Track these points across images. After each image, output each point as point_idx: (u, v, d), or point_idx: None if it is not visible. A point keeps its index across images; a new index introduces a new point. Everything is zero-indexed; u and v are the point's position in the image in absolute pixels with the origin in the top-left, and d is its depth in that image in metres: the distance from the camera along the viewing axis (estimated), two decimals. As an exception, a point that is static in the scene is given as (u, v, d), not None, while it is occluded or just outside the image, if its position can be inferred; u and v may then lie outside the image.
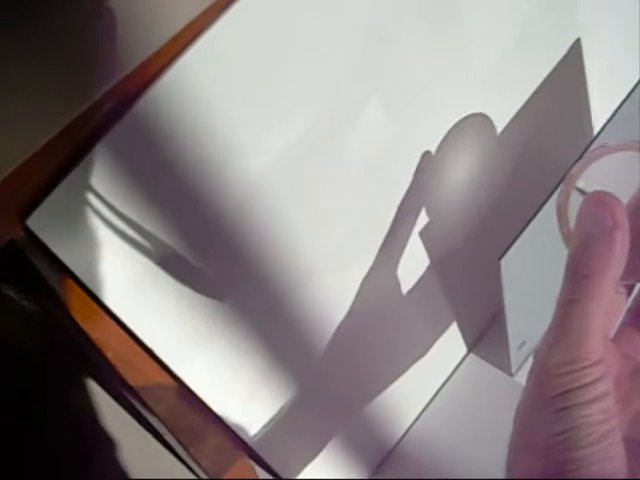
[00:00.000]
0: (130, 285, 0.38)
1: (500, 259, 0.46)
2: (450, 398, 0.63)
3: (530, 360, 0.62)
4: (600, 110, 0.62)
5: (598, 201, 0.30)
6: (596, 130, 0.62)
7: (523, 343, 0.59)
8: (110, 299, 0.37)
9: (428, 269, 0.55)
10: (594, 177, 0.35)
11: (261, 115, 0.38)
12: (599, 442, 0.29)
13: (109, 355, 0.40)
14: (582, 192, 0.36)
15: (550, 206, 0.48)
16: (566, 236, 0.35)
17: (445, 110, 0.49)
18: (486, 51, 0.50)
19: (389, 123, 0.46)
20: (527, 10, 0.51)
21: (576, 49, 0.56)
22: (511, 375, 0.62)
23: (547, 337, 0.31)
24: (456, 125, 0.50)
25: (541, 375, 0.31)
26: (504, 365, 0.61)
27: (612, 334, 0.34)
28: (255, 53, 0.37)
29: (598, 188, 0.31)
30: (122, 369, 0.41)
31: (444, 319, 0.61)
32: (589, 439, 0.29)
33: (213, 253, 0.40)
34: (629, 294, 0.35)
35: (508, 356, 0.59)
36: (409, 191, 0.49)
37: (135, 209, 0.36)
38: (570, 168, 0.36)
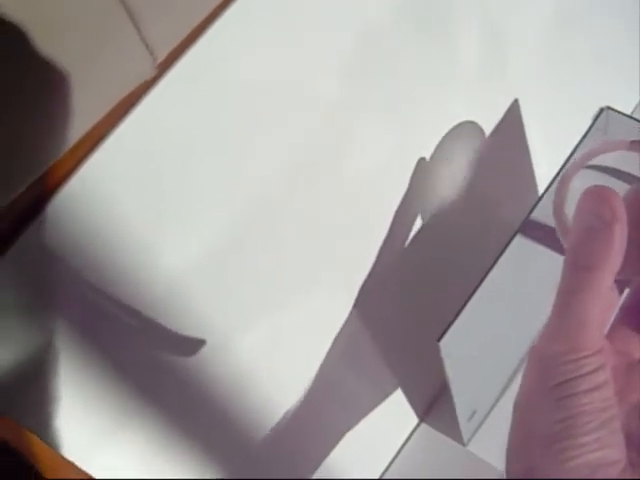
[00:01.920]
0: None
1: (439, 340, 0.45)
2: (404, 468, 0.62)
3: (483, 428, 0.62)
4: (545, 169, 0.61)
5: (597, 195, 0.31)
6: (539, 189, 0.62)
7: (473, 413, 0.59)
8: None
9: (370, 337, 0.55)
10: (586, 176, 0.38)
11: (172, 216, 0.37)
12: (599, 429, 0.30)
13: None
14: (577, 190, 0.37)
15: (497, 270, 0.49)
16: (563, 235, 0.36)
17: (437, 122, 0.51)
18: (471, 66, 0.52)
19: (385, 136, 0.47)
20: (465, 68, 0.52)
21: (515, 108, 0.57)
22: (463, 445, 0.61)
23: (546, 328, 0.32)
24: (449, 132, 0.51)
25: (541, 365, 0.31)
26: (456, 435, 0.61)
27: (605, 330, 0.34)
28: (161, 155, 0.35)
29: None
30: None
31: (389, 386, 0.60)
32: (589, 426, 0.30)
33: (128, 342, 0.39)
34: (621, 292, 0.35)
35: (458, 427, 0.58)
36: (404, 199, 0.50)
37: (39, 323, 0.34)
38: (564, 168, 0.38)
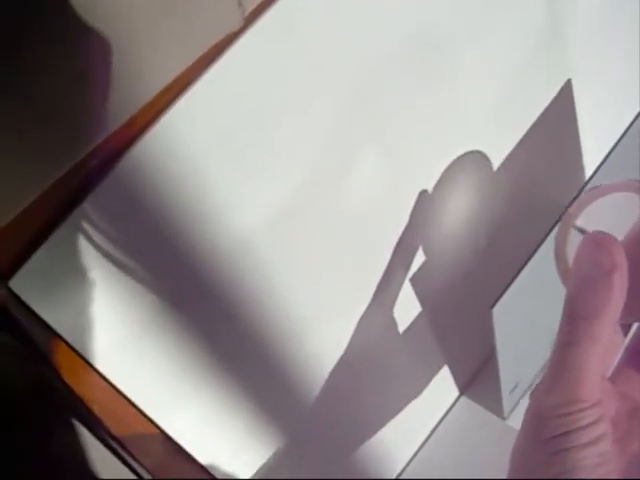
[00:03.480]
0: (115, 343, 0.37)
1: (492, 307, 0.46)
2: (442, 441, 0.63)
3: (522, 402, 0.63)
4: (593, 150, 0.62)
5: (597, 242, 0.30)
6: (587, 170, 0.63)
7: (515, 386, 0.59)
8: (95, 357, 0.37)
9: (419, 313, 0.55)
10: (593, 216, 0.35)
11: (249, 171, 0.38)
12: None
13: (95, 408, 0.40)
14: (581, 231, 0.36)
15: (546, 247, 0.49)
16: (564, 276, 0.35)
17: (440, 151, 0.49)
18: (480, 92, 0.50)
19: (385, 166, 0.46)
20: (519, 52, 0.51)
21: (567, 90, 0.57)
22: (503, 418, 0.62)
23: (544, 379, 0.31)
24: (452, 164, 0.50)
25: (537, 416, 0.31)
26: (496, 408, 0.61)
27: (609, 373, 0.34)
28: (242, 108, 0.36)
29: (596, 227, 0.32)
30: (109, 422, 0.41)
31: (435, 362, 0.61)
32: None
33: (201, 310, 0.40)
34: (626, 333, 0.35)
35: (500, 399, 0.59)
36: (405, 232, 0.49)
37: (120, 269, 0.35)
38: (568, 207, 0.36)
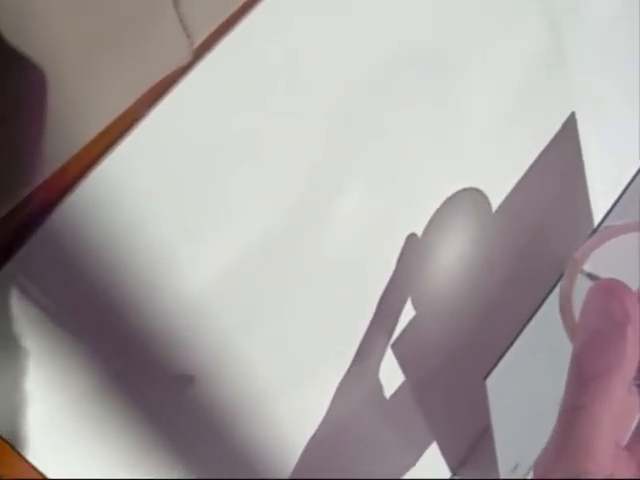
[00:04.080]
0: (45, 422, 0.35)
1: (485, 378, 0.45)
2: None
3: None
4: (601, 192, 0.61)
5: (607, 290, 0.30)
6: (595, 215, 0.62)
7: (516, 466, 0.58)
8: (22, 440, 0.35)
9: (403, 382, 0.54)
10: (602, 261, 0.35)
11: (201, 222, 0.37)
12: None
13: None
14: (590, 277, 0.35)
15: (550, 303, 0.48)
16: (571, 330, 0.34)
17: (432, 189, 0.49)
18: (478, 125, 0.50)
19: (370, 206, 0.45)
20: (519, 81, 0.51)
21: (571, 124, 0.57)
22: (502, 503, 0.61)
23: (549, 447, 0.31)
24: (446, 203, 0.49)
25: None
26: (494, 491, 0.60)
27: (625, 440, 0.33)
28: (192, 152, 0.35)
29: (606, 273, 0.32)
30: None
31: (423, 439, 0.59)
32: None
33: (145, 384, 0.38)
34: None
35: (497, 482, 0.57)
36: (391, 283, 0.48)
37: (54, 338, 0.34)
38: (574, 251, 0.36)
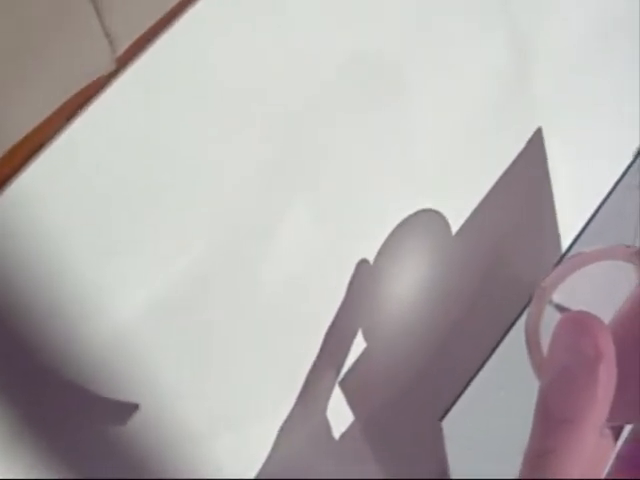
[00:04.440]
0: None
1: (441, 420, 0.45)
2: None
3: None
4: (570, 214, 0.61)
5: (577, 324, 0.29)
6: (564, 239, 0.63)
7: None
8: None
9: (352, 423, 0.53)
10: (572, 290, 0.35)
11: (127, 247, 0.36)
12: None
13: None
14: (559, 308, 0.35)
15: (514, 335, 0.50)
16: (537, 366, 0.33)
17: (384, 210, 0.48)
18: (437, 142, 0.49)
19: (314, 231, 0.44)
20: (481, 99, 0.51)
21: (537, 140, 0.57)
22: None
23: None
24: (400, 226, 0.49)
25: None
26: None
27: None
28: (116, 170, 0.34)
29: (577, 305, 0.31)
30: None
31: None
32: None
33: (64, 432, 0.37)
34: (617, 437, 0.33)
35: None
36: (340, 313, 0.47)
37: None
38: (541, 280, 0.35)
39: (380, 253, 0.48)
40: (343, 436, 0.53)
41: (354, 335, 0.50)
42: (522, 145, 0.56)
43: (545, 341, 0.34)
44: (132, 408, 0.40)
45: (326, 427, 0.51)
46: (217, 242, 0.39)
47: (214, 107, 0.36)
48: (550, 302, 0.35)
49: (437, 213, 0.51)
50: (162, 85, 0.34)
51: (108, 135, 0.33)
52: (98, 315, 0.36)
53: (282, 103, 0.39)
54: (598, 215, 0.53)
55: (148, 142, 0.35)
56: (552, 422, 0.29)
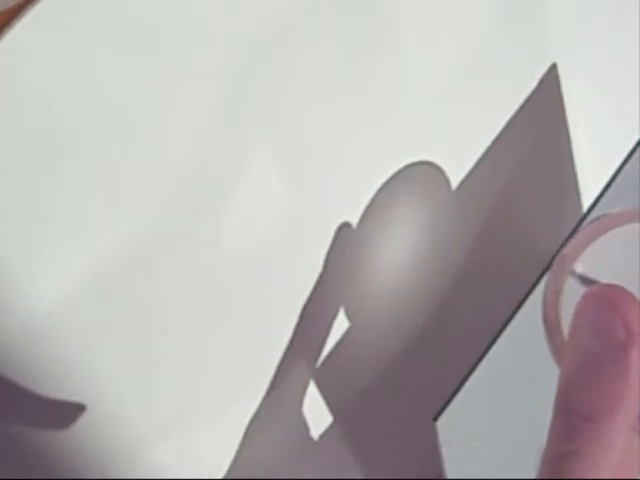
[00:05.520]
0: None
1: (436, 420, 0.43)
2: None
3: None
4: (591, 169, 0.60)
5: (604, 301, 0.28)
6: (584, 198, 0.61)
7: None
8: None
9: (333, 423, 0.52)
10: (598, 259, 0.34)
11: (44, 225, 0.36)
12: None
13: None
14: (584, 280, 0.34)
15: (525, 313, 0.48)
16: (557, 351, 0.33)
17: (370, 165, 0.46)
18: (430, 81, 0.48)
19: (283, 190, 0.43)
20: (484, 28, 0.49)
21: (551, 78, 0.54)
22: None
23: None
24: (388, 182, 0.47)
25: None
26: None
27: None
28: (29, 130, 0.33)
29: (604, 276, 0.32)
30: None
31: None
32: None
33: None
34: None
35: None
36: (318, 288, 0.46)
37: None
38: (561, 247, 0.34)
39: (364, 215, 0.47)
40: (322, 437, 0.51)
41: (335, 313, 0.49)
42: (533, 84, 0.54)
43: (566, 321, 0.33)
44: (75, 410, 0.41)
45: (302, 426, 0.51)
46: (159, 209, 0.38)
47: (143, 43, 0.35)
48: (572, 273, 0.34)
49: (432, 165, 0.49)
50: (82, 20, 0.33)
51: (20, 78, 0.32)
52: (15, 300, 0.37)
53: (240, 34, 0.38)
54: (623, 170, 0.51)
55: (65, 87, 0.34)
56: (574, 419, 0.28)
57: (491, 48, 0.50)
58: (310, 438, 0.51)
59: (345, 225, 0.46)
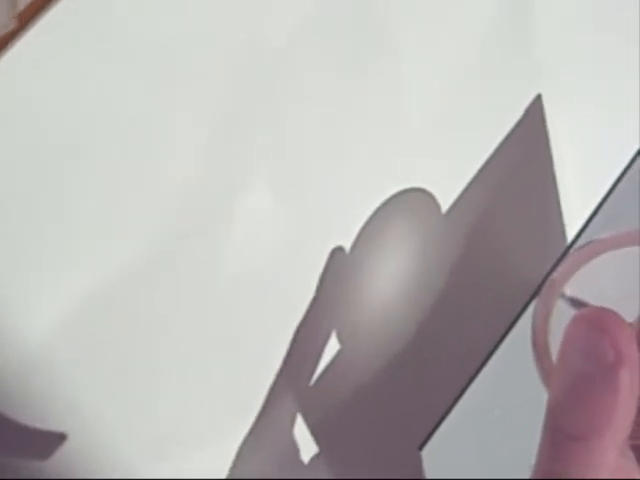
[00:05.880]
0: None
1: (421, 449, 0.43)
2: None
3: None
4: (575, 199, 0.60)
5: (594, 323, 0.28)
6: (569, 228, 0.61)
7: None
8: None
9: (318, 453, 0.51)
10: (588, 282, 0.35)
11: (33, 245, 0.35)
12: None
13: None
14: (574, 302, 0.35)
15: (512, 339, 0.49)
16: (546, 374, 0.34)
17: (363, 188, 0.47)
18: (421, 105, 0.48)
19: (282, 207, 0.43)
20: (472, 58, 0.50)
21: (536, 109, 0.55)
22: None
23: None
24: (380, 208, 0.47)
25: None
26: None
27: None
28: (20, 150, 0.32)
29: (593, 299, 0.32)
30: None
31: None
32: None
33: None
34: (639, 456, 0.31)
35: None
36: (309, 313, 0.47)
37: None
38: (550, 272, 0.37)
39: (357, 240, 0.47)
40: (315, 460, 0.52)
41: (326, 337, 0.49)
42: (519, 114, 0.54)
43: (555, 346, 0.34)
44: (57, 439, 0.40)
45: (293, 449, 0.50)
46: (152, 232, 0.38)
47: (139, 59, 0.35)
48: (562, 296, 0.35)
49: (424, 192, 0.50)
50: (73, 38, 0.33)
51: (13, 102, 0.32)
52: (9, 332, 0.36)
53: (234, 48, 0.38)
54: (609, 199, 0.52)
55: (66, 110, 0.33)
56: (563, 439, 0.29)
57: (478, 76, 0.51)
58: (300, 461, 0.51)
59: (338, 249, 0.46)
